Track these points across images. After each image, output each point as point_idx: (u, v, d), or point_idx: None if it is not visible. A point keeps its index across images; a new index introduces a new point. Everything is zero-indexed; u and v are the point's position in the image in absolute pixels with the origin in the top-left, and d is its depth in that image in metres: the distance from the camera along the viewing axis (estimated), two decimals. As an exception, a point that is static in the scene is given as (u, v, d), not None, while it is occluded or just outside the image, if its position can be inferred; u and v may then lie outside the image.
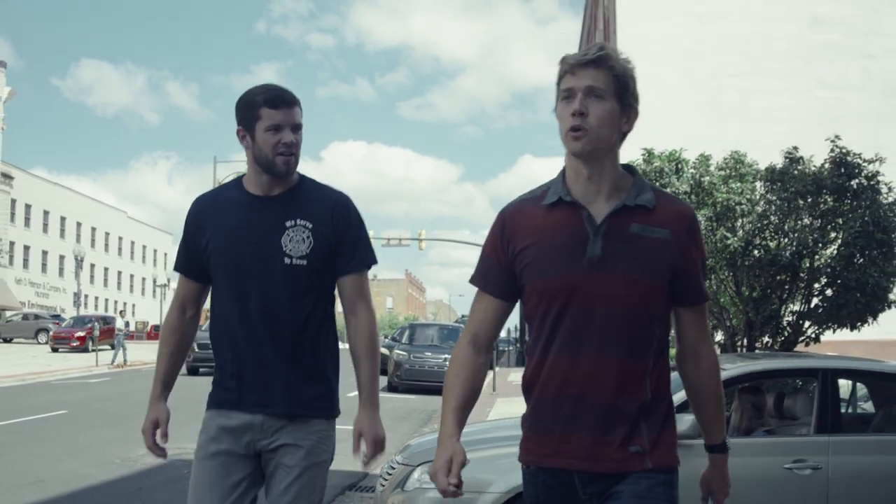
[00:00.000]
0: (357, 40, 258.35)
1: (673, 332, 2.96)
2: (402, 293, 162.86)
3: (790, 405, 7.08)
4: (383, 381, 25.32)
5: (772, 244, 12.75)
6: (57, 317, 55.73)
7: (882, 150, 32.14)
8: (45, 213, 79.28)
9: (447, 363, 18.55)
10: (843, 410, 7.84)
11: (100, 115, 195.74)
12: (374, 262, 3.65)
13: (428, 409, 19.55)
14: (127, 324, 38.05)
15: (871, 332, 27.03)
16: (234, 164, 54.15)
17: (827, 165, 13.02)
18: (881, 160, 13.08)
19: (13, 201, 72.70)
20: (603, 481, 2.74)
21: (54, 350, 43.68)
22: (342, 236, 3.55)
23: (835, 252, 12.87)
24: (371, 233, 3.61)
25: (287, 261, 3.47)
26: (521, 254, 2.80)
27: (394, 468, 7.13)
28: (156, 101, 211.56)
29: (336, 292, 3.69)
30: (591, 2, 49.29)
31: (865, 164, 13.04)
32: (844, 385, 8.05)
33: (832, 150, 13.09)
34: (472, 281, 2.97)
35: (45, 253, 79.48)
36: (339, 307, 3.76)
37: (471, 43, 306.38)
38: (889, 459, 6.52)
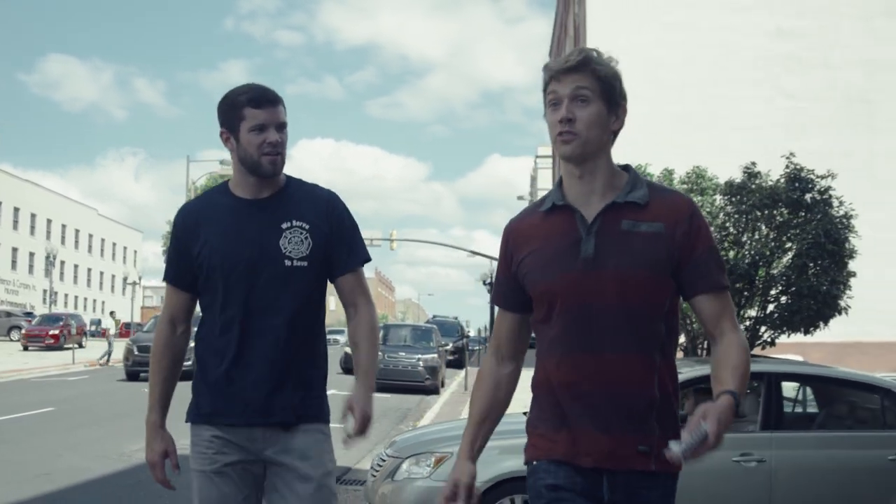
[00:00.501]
0: (326, 38, 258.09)
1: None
2: (372, 292, 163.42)
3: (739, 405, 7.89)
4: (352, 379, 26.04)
5: (730, 254, 13.60)
6: (29, 314, 55.88)
7: (843, 157, 33.24)
8: (16, 209, 79.28)
9: (420, 363, 19.38)
10: (790, 410, 8.68)
11: (67, 111, 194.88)
12: (369, 258, 3.61)
13: (403, 408, 20.28)
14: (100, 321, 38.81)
15: (832, 334, 28.09)
16: (206, 163, 54.61)
17: (782, 181, 13.88)
18: (833, 176, 13.98)
19: (-16, 198, 72.80)
20: (626, 488, 2.76)
21: (25, 348, 43.38)
22: (337, 235, 3.50)
23: (789, 262, 13.74)
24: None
25: (288, 263, 3.40)
26: (522, 263, 2.87)
27: (384, 460, 7.89)
28: (123, 98, 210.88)
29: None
30: (562, 8, 50.07)
31: (818, 179, 13.93)
32: (799, 387, 8.89)
33: (787, 166, 13.98)
34: (491, 300, 3.28)
35: (14, 250, 79.46)
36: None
37: (439, 42, 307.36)
38: (827, 453, 7.36)
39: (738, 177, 14.53)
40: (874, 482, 7.27)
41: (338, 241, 3.50)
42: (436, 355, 25.13)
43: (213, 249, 3.46)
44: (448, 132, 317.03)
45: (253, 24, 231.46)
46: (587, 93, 2.73)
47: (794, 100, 35.50)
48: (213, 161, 51.11)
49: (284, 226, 3.44)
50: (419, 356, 24.56)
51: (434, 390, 24.28)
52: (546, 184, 73.98)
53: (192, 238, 3.52)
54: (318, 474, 3.40)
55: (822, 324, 14.05)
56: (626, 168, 2.91)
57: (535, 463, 2.85)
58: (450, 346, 34.13)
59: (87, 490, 9.91)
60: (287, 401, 3.40)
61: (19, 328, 50.19)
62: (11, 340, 49.89)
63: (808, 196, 13.83)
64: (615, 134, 2.84)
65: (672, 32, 35.13)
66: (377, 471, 7.93)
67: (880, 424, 7.71)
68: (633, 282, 2.71)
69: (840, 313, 13.91)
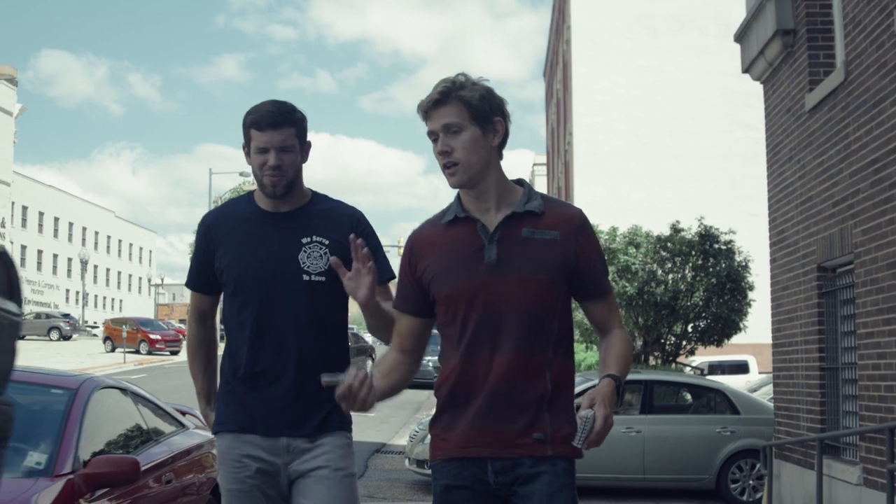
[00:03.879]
0: (317, 34, 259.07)
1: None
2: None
3: (629, 398, 13.07)
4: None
5: (657, 291, 18.75)
6: (67, 315, 59.19)
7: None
8: (41, 214, 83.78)
9: (429, 363, 25.38)
10: (673, 402, 13.85)
11: (62, 107, 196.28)
12: (393, 276, 3.53)
13: (416, 400, 25.54)
14: None
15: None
16: (230, 175, 58.88)
17: (697, 237, 19.07)
18: (733, 232, 19.15)
19: (12, 203, 77.18)
20: (514, 471, 2.87)
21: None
22: None
23: (702, 295, 18.92)
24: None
25: (306, 277, 3.43)
26: (426, 270, 2.97)
27: (417, 432, 13.06)
28: (119, 92, 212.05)
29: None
30: (555, 36, 54.36)
31: (723, 234, 19.11)
32: (679, 388, 14.07)
33: (700, 226, 19.17)
34: (393, 304, 3.16)
35: (40, 252, 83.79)
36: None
37: (430, 37, 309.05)
38: (679, 427, 12.57)
39: (666, 231, 19.67)
40: (706, 445, 12.42)
41: None
42: (442, 356, 30.28)
43: (232, 260, 3.51)
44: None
45: (244, 21, 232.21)
46: (457, 121, 2.86)
47: (751, 131, 40.32)
48: (232, 173, 55.85)
49: (304, 240, 3.47)
50: (427, 357, 29.68)
51: (441, 386, 29.46)
52: (541, 190, 78.73)
53: (214, 248, 3.57)
54: (342, 467, 3.48)
55: (726, 340, 19.27)
56: (521, 182, 3.05)
57: (433, 463, 3.01)
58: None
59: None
60: (310, 412, 3.45)
61: (58, 329, 53.94)
62: (51, 340, 52.58)
63: (715, 246, 19.01)
64: (500, 147, 2.97)
65: (645, 75, 39.82)
66: (412, 439, 13.12)
67: (713, 410, 12.90)
68: (533, 285, 2.86)
69: (738, 331, 19.15)
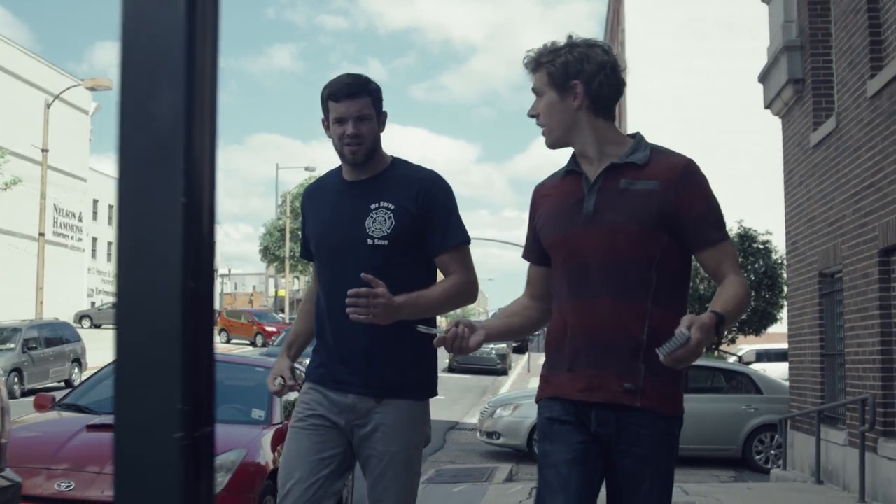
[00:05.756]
0: (368, 23, 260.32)
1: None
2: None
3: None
4: (443, 362, 32.33)
5: (700, 286, 20.91)
6: None
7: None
8: (110, 206, 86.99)
9: (493, 351, 28.09)
10: (706, 385, 16.01)
11: (117, 98, 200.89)
12: (465, 240, 3.67)
13: (482, 385, 27.87)
14: None
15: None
16: (296, 169, 61.28)
17: (736, 238, 21.21)
18: (770, 233, 21.24)
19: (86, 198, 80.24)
20: (615, 424, 2.94)
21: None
22: (429, 214, 3.58)
23: (741, 291, 21.14)
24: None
25: (370, 241, 3.52)
26: (538, 219, 3.17)
27: (487, 408, 15.38)
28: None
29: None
30: (609, 38, 56.06)
31: (760, 235, 21.22)
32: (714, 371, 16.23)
33: (739, 228, 21.29)
34: (522, 254, 3.33)
35: (109, 244, 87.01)
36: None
37: (479, 25, 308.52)
38: (711, 405, 14.71)
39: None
40: (733, 420, 14.60)
41: (429, 222, 3.59)
42: (504, 345, 32.50)
43: (313, 228, 3.76)
44: (494, 114, 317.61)
45: (294, 12, 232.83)
46: (540, 87, 3.07)
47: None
48: (298, 167, 58.37)
49: (373, 206, 3.57)
50: (491, 346, 31.68)
51: (504, 372, 31.84)
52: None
53: (307, 217, 3.85)
54: (393, 449, 3.55)
55: (763, 330, 21.42)
56: (634, 136, 3.11)
57: (540, 402, 3.15)
58: (513, 335, 41.41)
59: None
60: (379, 373, 3.54)
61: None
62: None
63: (754, 246, 21.15)
64: (591, 108, 3.02)
65: (692, 77, 41.53)
66: (482, 414, 15.47)
67: (740, 390, 15.11)
68: (624, 235, 2.91)
69: (774, 323, 21.28)
